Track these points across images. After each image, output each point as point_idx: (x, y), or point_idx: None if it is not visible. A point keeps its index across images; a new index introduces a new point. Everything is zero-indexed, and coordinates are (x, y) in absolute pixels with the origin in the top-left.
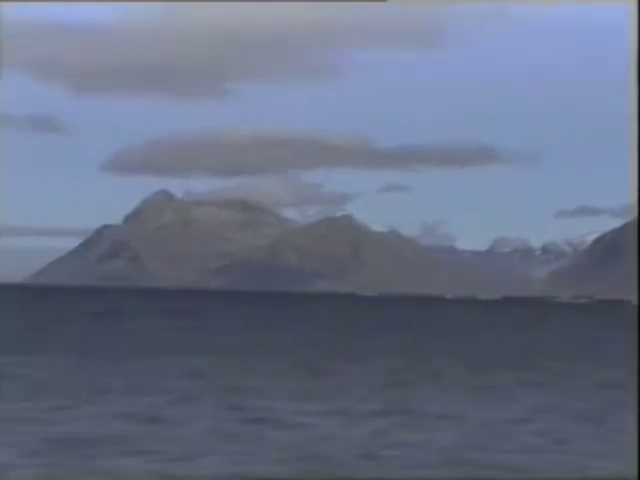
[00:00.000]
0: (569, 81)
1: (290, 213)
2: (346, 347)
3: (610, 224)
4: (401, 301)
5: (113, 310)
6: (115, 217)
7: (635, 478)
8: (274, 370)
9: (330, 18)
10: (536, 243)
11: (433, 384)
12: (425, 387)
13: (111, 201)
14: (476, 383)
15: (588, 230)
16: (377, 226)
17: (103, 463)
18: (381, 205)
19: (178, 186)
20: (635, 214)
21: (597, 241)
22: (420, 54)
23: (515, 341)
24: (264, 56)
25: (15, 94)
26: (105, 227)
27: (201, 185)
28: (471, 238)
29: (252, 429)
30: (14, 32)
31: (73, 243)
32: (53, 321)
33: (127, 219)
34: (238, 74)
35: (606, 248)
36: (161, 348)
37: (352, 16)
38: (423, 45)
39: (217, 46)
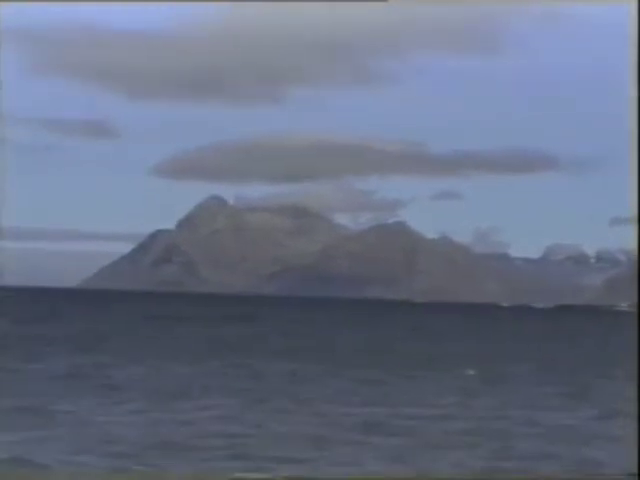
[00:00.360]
0: (627, 87)
1: (343, 219)
2: (425, 354)
3: None
4: (459, 309)
5: (180, 315)
6: (168, 222)
7: (635, 478)
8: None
9: (386, 22)
10: (590, 250)
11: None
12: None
13: (164, 206)
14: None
15: None
16: (430, 233)
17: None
18: (434, 212)
19: (231, 191)
20: None
21: None
22: (474, 59)
23: (589, 347)
24: (320, 61)
25: (68, 100)
26: (158, 232)
27: (254, 191)
28: (524, 245)
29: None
30: (66, 38)
31: (127, 248)
32: (126, 324)
33: (180, 224)
34: (294, 79)
35: None
36: (242, 351)
37: (407, 21)
38: (477, 50)
39: (273, 50)
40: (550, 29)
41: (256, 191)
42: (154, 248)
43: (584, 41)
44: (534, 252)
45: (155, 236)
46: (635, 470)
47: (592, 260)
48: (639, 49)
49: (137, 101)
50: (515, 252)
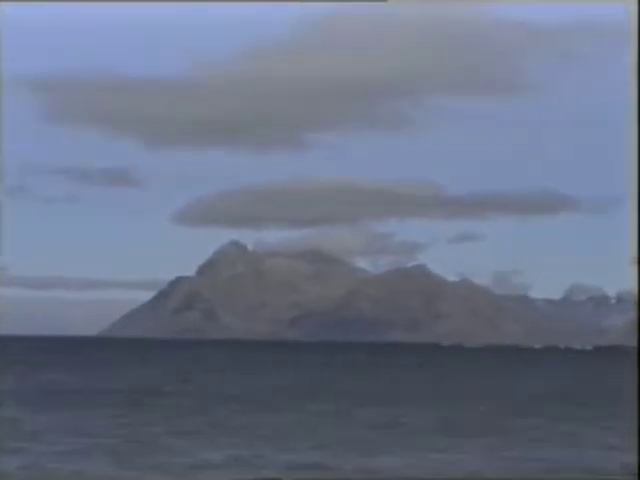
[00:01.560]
0: None
1: (362, 263)
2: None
3: None
4: (488, 351)
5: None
6: (188, 268)
7: (635, 478)
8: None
9: (403, 67)
10: (611, 291)
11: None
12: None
13: (184, 252)
14: None
15: None
16: (450, 275)
17: None
18: (453, 254)
19: (250, 237)
20: None
21: None
22: (493, 101)
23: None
24: (338, 106)
25: (91, 149)
26: (179, 278)
27: (273, 236)
28: (545, 286)
29: None
30: (83, 85)
31: (147, 295)
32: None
33: (200, 270)
34: (311, 124)
35: None
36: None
37: (424, 65)
38: (496, 92)
39: (292, 97)
40: (566, 69)
41: (275, 236)
42: (175, 295)
43: (601, 79)
44: (555, 293)
45: (176, 283)
46: (635, 470)
47: (613, 301)
48: (639, 49)
49: (156, 148)
50: (536, 293)
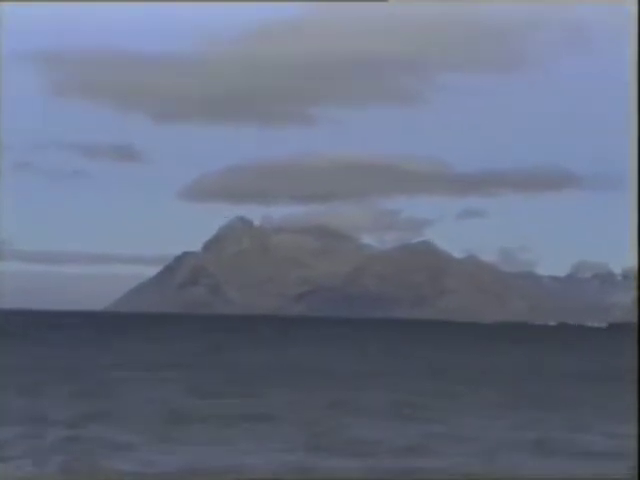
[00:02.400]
0: None
1: (368, 239)
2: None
3: None
4: (504, 328)
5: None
6: (194, 244)
7: (635, 478)
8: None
9: (411, 42)
10: (617, 268)
11: None
12: None
13: (190, 228)
14: None
15: None
16: (456, 252)
17: None
18: (460, 231)
19: (256, 212)
20: None
21: None
22: (499, 78)
23: None
24: (346, 81)
25: (97, 124)
26: (185, 254)
27: (279, 211)
28: (551, 263)
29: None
30: (95, 63)
31: (153, 270)
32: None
33: (206, 246)
34: (319, 99)
35: None
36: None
37: (432, 41)
38: (503, 69)
39: (299, 71)
40: (570, 45)
41: (282, 212)
42: (181, 270)
43: (604, 56)
44: (561, 270)
45: (182, 258)
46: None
47: (619, 278)
48: (639, 49)
49: (163, 124)
50: (542, 270)
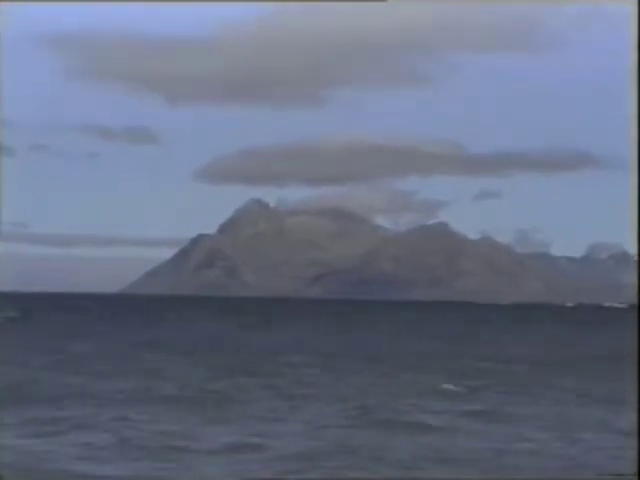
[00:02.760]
0: None
1: (383, 221)
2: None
3: None
4: (524, 309)
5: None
6: (210, 226)
7: (635, 478)
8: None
9: (425, 22)
10: (632, 249)
11: None
12: None
13: (206, 210)
14: None
15: None
16: (471, 233)
17: None
18: (475, 212)
19: (272, 195)
20: None
21: None
22: (516, 58)
23: None
24: (359, 62)
25: (112, 107)
26: (200, 236)
27: (294, 194)
28: (566, 244)
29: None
30: (110, 45)
31: (169, 253)
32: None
33: (222, 228)
34: (334, 81)
35: None
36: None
37: (446, 20)
38: (519, 49)
39: (312, 53)
40: (585, 27)
41: (297, 194)
42: (196, 253)
43: (617, 39)
44: (576, 251)
45: (197, 240)
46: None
47: (635, 258)
48: (639, 49)
49: (178, 106)
50: (557, 251)
